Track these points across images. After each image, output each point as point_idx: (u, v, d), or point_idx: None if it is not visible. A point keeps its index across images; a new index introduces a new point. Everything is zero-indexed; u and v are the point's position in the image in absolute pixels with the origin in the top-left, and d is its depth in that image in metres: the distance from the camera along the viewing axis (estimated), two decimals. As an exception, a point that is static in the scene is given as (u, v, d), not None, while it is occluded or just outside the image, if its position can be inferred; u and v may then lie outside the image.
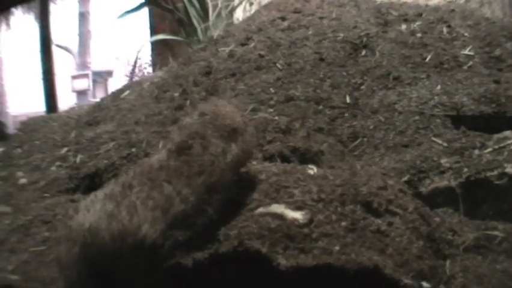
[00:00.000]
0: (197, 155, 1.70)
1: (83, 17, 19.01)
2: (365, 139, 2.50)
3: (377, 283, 1.49)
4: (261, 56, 2.95)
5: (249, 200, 1.75)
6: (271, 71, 2.87)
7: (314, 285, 1.50)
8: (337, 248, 1.56)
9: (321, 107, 2.65)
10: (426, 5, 3.37)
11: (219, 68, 3.01)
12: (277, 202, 1.70)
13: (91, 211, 1.62)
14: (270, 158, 2.24)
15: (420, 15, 3.17)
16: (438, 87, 2.70)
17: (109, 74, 18.24)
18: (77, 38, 19.27)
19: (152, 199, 1.58)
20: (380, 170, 2.11)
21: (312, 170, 1.94)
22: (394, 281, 1.49)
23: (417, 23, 3.09)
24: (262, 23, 3.26)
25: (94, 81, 17.47)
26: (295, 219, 1.62)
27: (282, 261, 1.48)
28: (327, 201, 1.73)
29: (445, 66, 2.83)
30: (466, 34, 3.03)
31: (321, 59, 2.85)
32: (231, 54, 3.06)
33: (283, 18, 3.26)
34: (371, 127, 2.55)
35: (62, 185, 2.84)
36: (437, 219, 1.99)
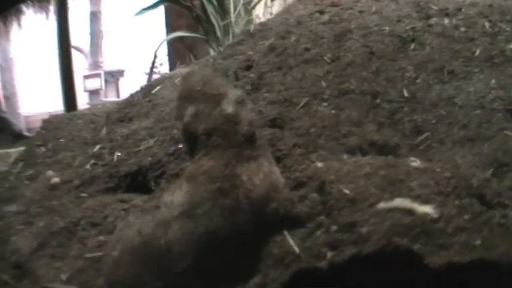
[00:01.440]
0: None
1: (94, 16, 18.70)
2: (429, 133, 2.42)
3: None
4: (306, 49, 2.85)
5: (365, 194, 1.65)
6: (319, 64, 2.77)
7: (463, 281, 1.41)
8: (478, 242, 1.47)
9: (378, 100, 2.56)
10: (463, 0, 3.31)
11: (260, 61, 2.90)
12: (398, 196, 1.60)
13: None
14: (351, 151, 2.14)
15: (459, 9, 3.11)
16: (493, 81, 2.64)
17: (121, 73, 18.07)
18: (88, 38, 18.96)
19: None
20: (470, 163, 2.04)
21: (416, 162, 1.85)
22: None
23: (459, 18, 3.03)
24: (301, 17, 3.16)
25: (106, 81, 17.22)
26: (426, 214, 1.52)
27: (433, 259, 1.39)
28: (445, 195, 1.65)
29: (495, 60, 2.77)
30: (508, 29, 2.98)
31: (371, 53, 2.76)
32: (271, 48, 2.95)
33: (321, 12, 3.17)
34: (433, 121, 2.47)
35: (101, 184, 2.69)
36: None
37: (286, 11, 3.42)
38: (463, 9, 3.12)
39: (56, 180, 2.83)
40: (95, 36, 18.82)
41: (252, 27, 3.29)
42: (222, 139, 1.67)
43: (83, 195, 2.67)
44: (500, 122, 2.45)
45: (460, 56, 2.78)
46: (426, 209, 1.53)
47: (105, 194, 2.63)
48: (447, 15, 3.06)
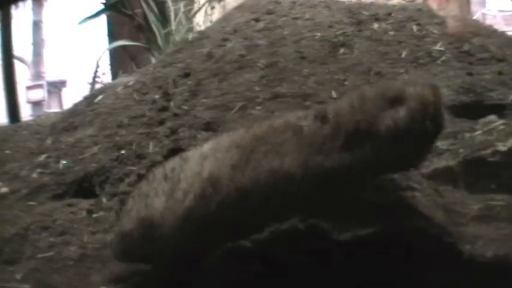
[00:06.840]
0: None
1: (36, 25, 18.23)
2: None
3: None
4: (241, 55, 2.99)
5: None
6: (253, 70, 2.91)
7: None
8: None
9: (308, 102, 2.70)
10: (394, 5, 3.49)
11: (198, 69, 3.03)
12: None
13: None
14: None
15: (389, 14, 3.28)
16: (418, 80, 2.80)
17: (63, 83, 17.73)
18: (31, 48, 18.46)
19: None
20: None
21: None
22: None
23: (389, 22, 3.20)
24: (237, 25, 3.30)
25: (48, 92, 16.91)
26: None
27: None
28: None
29: (421, 61, 2.93)
30: (435, 31, 3.16)
31: (303, 57, 2.92)
32: (209, 55, 3.09)
33: (257, 20, 3.31)
34: (360, 119, 2.61)
35: (48, 191, 2.78)
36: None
37: (224, 19, 3.56)
38: (392, 14, 3.30)
39: (5, 190, 2.90)
40: (38, 46, 18.38)
41: (190, 36, 3.42)
42: None
43: (32, 203, 2.76)
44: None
45: (387, 58, 2.94)
46: None
47: (53, 201, 2.71)
48: (377, 20, 3.23)
